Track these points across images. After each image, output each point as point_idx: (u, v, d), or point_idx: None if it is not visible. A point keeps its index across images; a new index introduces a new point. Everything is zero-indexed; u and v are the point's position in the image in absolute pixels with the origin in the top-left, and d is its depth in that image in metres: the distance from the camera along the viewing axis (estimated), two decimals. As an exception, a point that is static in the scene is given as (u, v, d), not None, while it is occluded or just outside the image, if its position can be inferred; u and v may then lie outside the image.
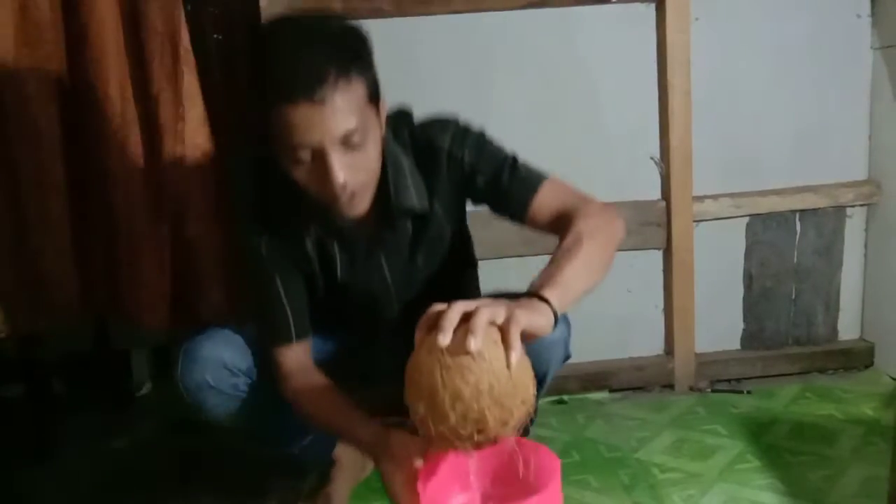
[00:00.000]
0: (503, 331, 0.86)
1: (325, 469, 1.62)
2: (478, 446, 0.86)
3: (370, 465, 1.68)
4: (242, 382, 1.38)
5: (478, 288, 1.57)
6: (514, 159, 1.26)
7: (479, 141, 1.26)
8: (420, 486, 0.94)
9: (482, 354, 0.83)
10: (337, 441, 1.57)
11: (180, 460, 1.87)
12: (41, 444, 1.95)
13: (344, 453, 1.60)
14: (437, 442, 0.87)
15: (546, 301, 0.94)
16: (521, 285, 1.04)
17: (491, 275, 1.62)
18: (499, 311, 0.87)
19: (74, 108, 1.60)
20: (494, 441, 0.86)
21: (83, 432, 2.04)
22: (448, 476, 0.98)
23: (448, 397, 0.82)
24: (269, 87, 1.05)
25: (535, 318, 0.90)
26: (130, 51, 1.58)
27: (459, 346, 0.83)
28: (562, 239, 1.09)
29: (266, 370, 1.37)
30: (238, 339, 1.37)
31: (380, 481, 1.61)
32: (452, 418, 0.83)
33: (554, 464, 0.92)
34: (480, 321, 0.84)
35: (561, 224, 1.14)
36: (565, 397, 2.05)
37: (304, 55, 1.03)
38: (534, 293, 0.96)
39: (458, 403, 0.82)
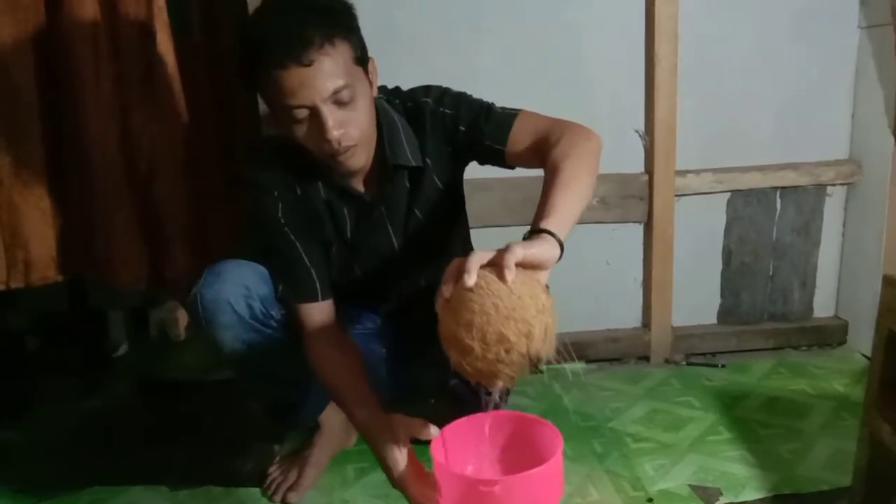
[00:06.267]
0: (497, 261, 0.88)
1: (307, 433, 1.62)
2: (520, 370, 0.88)
3: (354, 437, 1.68)
4: (258, 308, 1.37)
5: (471, 247, 1.57)
6: (491, 105, 1.33)
7: (459, 96, 1.36)
8: (434, 454, 0.96)
9: (479, 284, 0.86)
10: (325, 406, 1.57)
11: (157, 421, 1.87)
12: (17, 403, 1.94)
13: (330, 420, 1.60)
14: (482, 380, 0.89)
15: (545, 231, 0.97)
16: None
17: (473, 244, 1.61)
18: (491, 252, 0.90)
19: (51, 65, 1.57)
20: (536, 361, 0.88)
21: (59, 393, 2.03)
22: (459, 446, 1.00)
23: (463, 331, 0.85)
24: (262, 56, 1.13)
25: (534, 246, 0.92)
26: (104, 8, 1.55)
27: (460, 289, 0.87)
28: (545, 169, 1.13)
29: (285, 315, 1.39)
30: (262, 270, 1.40)
31: (362, 455, 1.64)
32: (476, 347, 0.85)
33: (556, 438, 0.96)
34: (471, 262, 0.87)
35: (539, 152, 1.20)
36: (542, 367, 2.06)
37: (290, 22, 1.12)
38: (533, 230, 0.99)
39: (473, 331, 0.84)
